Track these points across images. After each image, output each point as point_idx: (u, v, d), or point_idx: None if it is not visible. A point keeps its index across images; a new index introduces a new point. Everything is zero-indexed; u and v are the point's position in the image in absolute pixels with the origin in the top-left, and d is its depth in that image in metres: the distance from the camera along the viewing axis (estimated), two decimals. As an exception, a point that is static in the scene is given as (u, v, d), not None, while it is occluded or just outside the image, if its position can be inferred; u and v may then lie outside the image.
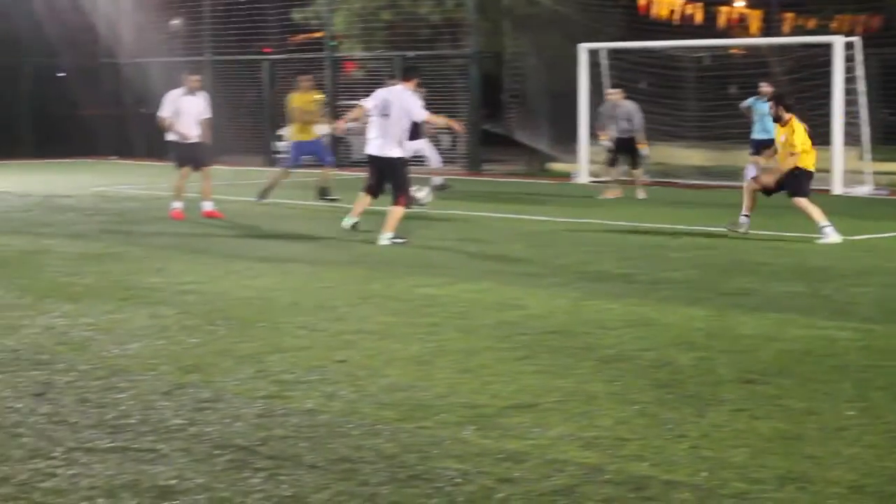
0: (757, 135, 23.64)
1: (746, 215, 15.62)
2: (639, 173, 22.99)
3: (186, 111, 18.48)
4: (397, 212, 14.94)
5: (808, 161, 15.40)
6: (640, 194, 22.24)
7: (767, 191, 15.75)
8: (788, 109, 15.39)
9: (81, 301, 10.58)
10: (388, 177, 15.36)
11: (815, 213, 15.23)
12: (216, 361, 8.20)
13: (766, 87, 23.63)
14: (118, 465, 5.89)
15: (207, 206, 18.53)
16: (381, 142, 15.17)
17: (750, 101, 23.40)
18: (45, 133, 35.03)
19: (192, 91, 18.63)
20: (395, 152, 15.15)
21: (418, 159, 23.54)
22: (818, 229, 15.09)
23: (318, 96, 22.01)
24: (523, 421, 6.68)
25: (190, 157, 18.66)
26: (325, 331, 9.29)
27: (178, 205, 18.34)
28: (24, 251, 14.17)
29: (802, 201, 15.40)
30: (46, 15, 34.97)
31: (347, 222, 15.63)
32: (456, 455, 6.06)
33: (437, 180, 22.61)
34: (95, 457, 6.02)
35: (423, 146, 21.42)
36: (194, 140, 18.56)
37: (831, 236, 15.02)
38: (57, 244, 14.81)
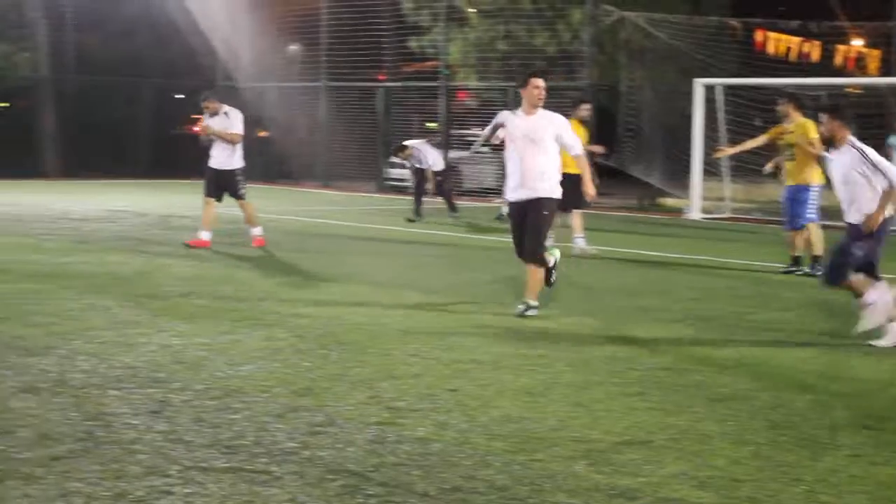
0: None
1: None
2: None
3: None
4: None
5: None
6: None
7: None
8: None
9: (196, 321, 10.73)
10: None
11: None
12: (329, 386, 8.26)
13: None
14: (232, 486, 5.95)
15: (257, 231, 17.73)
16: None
17: (892, 139, 23.32)
18: (163, 153, 35.69)
19: (211, 113, 17.43)
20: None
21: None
22: None
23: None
24: (636, 457, 6.64)
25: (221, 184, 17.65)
26: (437, 359, 9.31)
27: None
28: (141, 270, 14.40)
29: None
30: (168, 37, 35.69)
31: None
32: (568, 489, 6.04)
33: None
34: (210, 476, 6.09)
35: None
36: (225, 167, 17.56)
37: None
38: (173, 264, 15.05)
